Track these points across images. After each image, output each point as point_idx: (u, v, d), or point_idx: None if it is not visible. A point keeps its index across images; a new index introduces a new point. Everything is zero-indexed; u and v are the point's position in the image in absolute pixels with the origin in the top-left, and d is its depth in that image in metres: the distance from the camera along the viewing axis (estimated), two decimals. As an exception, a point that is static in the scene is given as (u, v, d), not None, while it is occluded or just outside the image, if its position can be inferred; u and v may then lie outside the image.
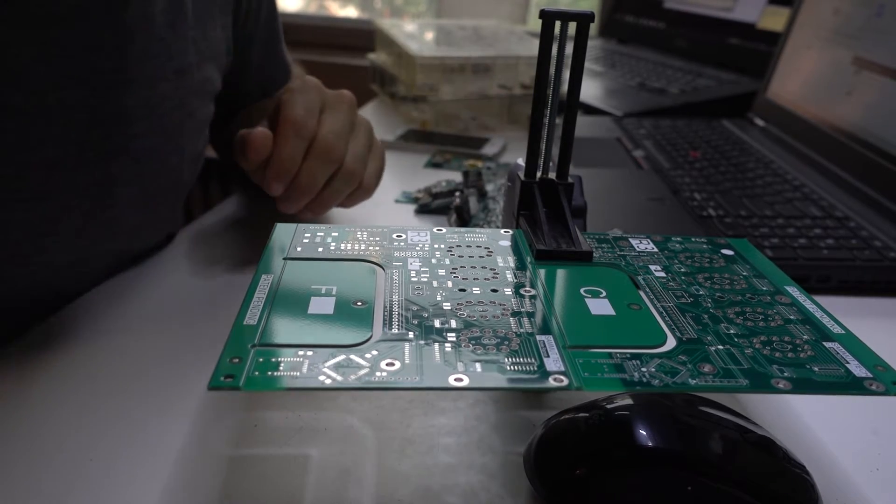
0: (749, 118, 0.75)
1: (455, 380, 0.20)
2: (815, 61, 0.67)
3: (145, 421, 0.28)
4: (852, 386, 0.21)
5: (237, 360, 0.20)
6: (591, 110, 0.77)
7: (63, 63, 0.33)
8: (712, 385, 0.20)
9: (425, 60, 0.71)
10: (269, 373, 0.20)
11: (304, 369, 0.20)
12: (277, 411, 0.29)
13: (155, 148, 0.39)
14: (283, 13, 1.39)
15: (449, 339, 0.22)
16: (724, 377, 0.21)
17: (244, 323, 0.22)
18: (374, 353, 0.21)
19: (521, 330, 0.22)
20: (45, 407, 0.29)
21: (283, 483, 0.25)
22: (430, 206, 0.51)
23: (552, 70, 0.30)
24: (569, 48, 0.30)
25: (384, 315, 0.23)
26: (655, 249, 0.30)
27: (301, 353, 0.21)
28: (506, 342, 0.22)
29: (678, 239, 0.31)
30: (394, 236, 0.29)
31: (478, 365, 0.20)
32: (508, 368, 0.20)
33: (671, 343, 0.22)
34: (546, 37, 0.29)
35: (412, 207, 0.52)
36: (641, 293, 0.26)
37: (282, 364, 0.20)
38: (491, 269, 0.27)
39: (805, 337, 0.23)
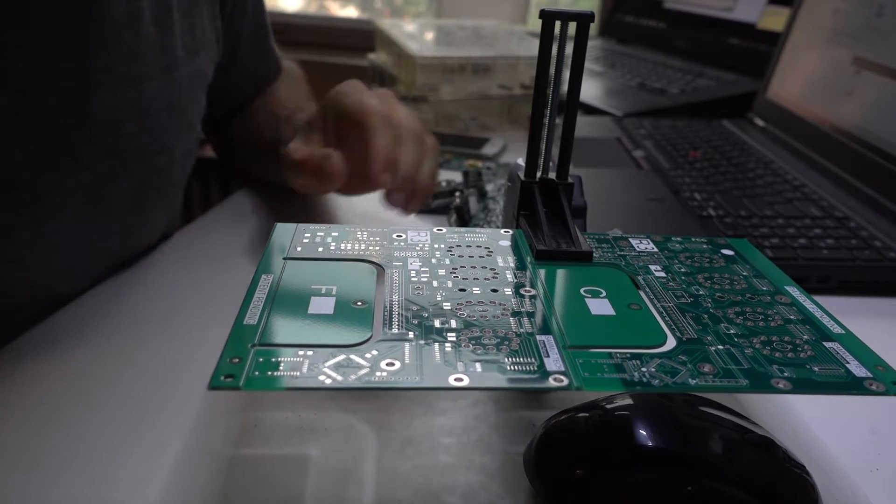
0: (749, 118, 0.75)
1: (455, 380, 0.20)
2: (815, 61, 0.67)
3: (145, 421, 0.28)
4: (852, 386, 0.21)
5: (237, 360, 0.20)
6: (591, 110, 0.77)
7: (48, 62, 0.32)
8: (712, 385, 0.20)
9: (425, 60, 0.71)
10: (270, 373, 0.20)
11: (305, 369, 0.20)
12: (277, 411, 0.29)
13: (144, 148, 0.39)
14: (284, 13, 1.39)
15: (449, 338, 0.22)
16: (724, 377, 0.21)
17: (244, 323, 0.22)
18: (374, 352, 0.21)
19: (521, 330, 0.22)
20: (44, 407, 0.29)
21: (283, 483, 0.25)
22: (430, 206, 0.51)
23: (552, 70, 0.30)
24: (569, 48, 0.30)
25: (384, 315, 0.23)
26: (655, 249, 0.30)
27: (301, 352, 0.21)
28: (506, 342, 0.22)
29: (678, 239, 0.31)
30: (394, 236, 0.29)
31: (478, 365, 0.20)
32: (508, 368, 0.20)
33: (671, 343, 0.22)
34: (546, 37, 0.29)
35: (412, 207, 0.52)
36: (641, 293, 0.26)
37: (282, 364, 0.20)
38: (491, 269, 0.27)
39: (805, 337, 0.23)
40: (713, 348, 0.22)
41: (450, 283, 0.26)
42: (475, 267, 0.27)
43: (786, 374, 0.21)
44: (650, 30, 1.05)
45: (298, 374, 0.20)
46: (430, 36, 0.84)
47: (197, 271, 0.42)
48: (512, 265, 0.27)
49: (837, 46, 0.63)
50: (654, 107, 0.78)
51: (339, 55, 1.22)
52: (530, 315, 0.23)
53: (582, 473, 0.23)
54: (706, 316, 0.24)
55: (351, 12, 1.45)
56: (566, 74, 0.30)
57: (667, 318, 0.24)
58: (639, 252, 0.29)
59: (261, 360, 0.20)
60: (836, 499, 0.26)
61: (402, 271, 0.26)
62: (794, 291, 0.26)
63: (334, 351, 0.21)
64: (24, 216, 0.34)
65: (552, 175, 0.32)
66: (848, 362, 0.22)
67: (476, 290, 0.25)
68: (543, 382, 0.20)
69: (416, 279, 0.26)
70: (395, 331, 0.22)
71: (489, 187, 0.52)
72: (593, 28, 0.30)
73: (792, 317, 0.24)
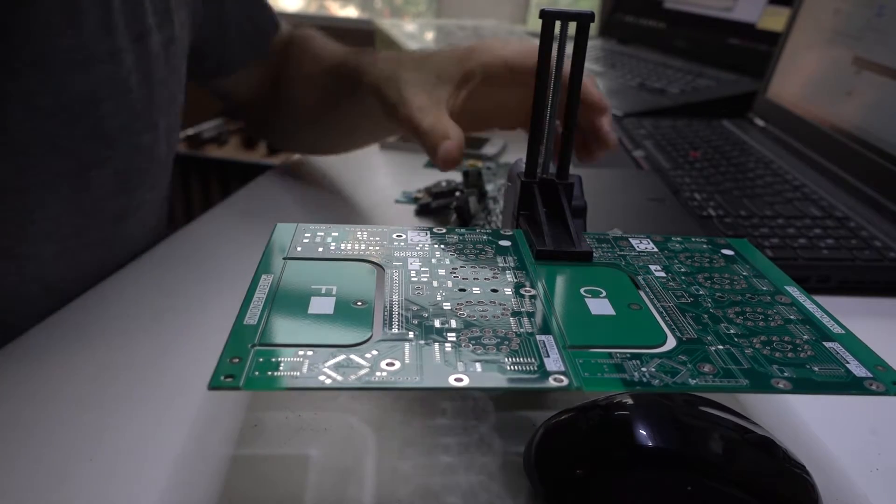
0: (749, 118, 0.75)
1: (455, 380, 0.20)
2: (815, 61, 0.67)
3: (145, 421, 0.28)
4: (852, 386, 0.21)
5: (237, 360, 0.20)
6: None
7: (17, 46, 0.31)
8: (712, 385, 0.20)
9: (425, 60, 0.71)
10: (270, 373, 0.20)
11: (304, 369, 0.20)
12: (277, 411, 0.29)
13: (125, 126, 0.38)
14: (284, 13, 1.39)
15: (449, 338, 0.22)
16: (724, 377, 0.21)
17: (244, 323, 0.22)
18: (374, 352, 0.21)
19: (521, 330, 0.22)
20: (44, 407, 0.29)
21: (283, 483, 0.25)
22: (430, 206, 0.51)
23: (552, 70, 0.30)
24: (569, 48, 0.30)
25: (384, 315, 0.23)
26: (655, 249, 0.30)
27: (301, 352, 0.21)
28: (506, 342, 0.22)
29: (678, 239, 0.31)
30: (394, 236, 0.29)
31: (478, 365, 0.20)
32: (508, 368, 0.20)
33: (671, 343, 0.22)
34: (546, 37, 0.29)
35: (412, 207, 0.52)
36: (641, 293, 0.26)
37: (282, 364, 0.20)
38: (491, 269, 0.27)
39: (805, 337, 0.23)
40: (713, 348, 0.22)
41: (450, 283, 0.26)
42: (475, 267, 0.27)
43: (786, 374, 0.21)
44: (650, 30, 1.05)
45: (298, 374, 0.20)
46: (429, 36, 0.84)
47: (197, 271, 0.42)
48: (512, 265, 0.27)
49: (837, 46, 0.63)
50: (654, 107, 0.78)
51: (339, 55, 1.22)
52: (530, 315, 0.23)
53: (582, 473, 0.23)
54: (706, 316, 0.24)
55: (351, 12, 1.45)
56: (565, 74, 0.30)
57: (667, 318, 0.24)
58: (639, 252, 0.29)
59: (261, 360, 0.20)
60: (836, 499, 0.26)
61: (402, 271, 0.26)
62: (794, 291, 0.26)
63: (334, 351, 0.21)
64: (10, 205, 0.34)
65: (552, 175, 0.32)
66: (848, 362, 0.22)
67: (476, 290, 0.25)
68: (543, 382, 0.20)
69: (416, 279, 0.26)
70: (395, 331, 0.22)
71: (489, 187, 0.52)
72: (593, 28, 0.30)
73: (792, 317, 0.24)
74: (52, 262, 0.37)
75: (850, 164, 0.56)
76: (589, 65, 0.93)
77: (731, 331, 0.23)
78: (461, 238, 0.29)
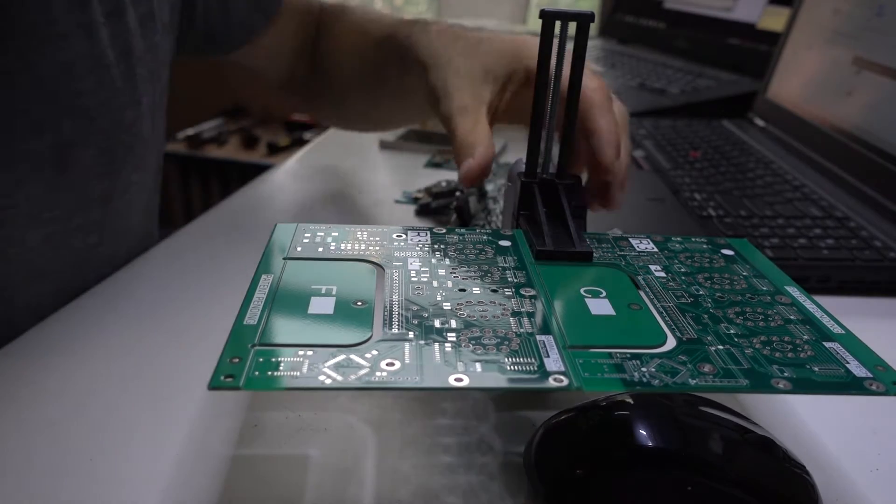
0: (749, 118, 0.75)
1: (455, 380, 0.20)
2: (815, 61, 0.67)
3: (145, 421, 0.28)
4: (852, 386, 0.21)
5: (237, 360, 0.20)
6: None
7: None
8: (712, 385, 0.20)
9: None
10: (270, 373, 0.20)
11: (305, 369, 0.20)
12: (277, 411, 0.29)
13: (106, 103, 0.37)
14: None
15: (449, 339, 0.22)
16: (725, 377, 0.21)
17: (244, 323, 0.22)
18: (374, 352, 0.21)
19: (521, 330, 0.22)
20: (44, 407, 0.29)
21: (283, 483, 0.25)
22: (430, 206, 0.51)
23: (552, 70, 0.30)
24: (568, 48, 0.30)
25: (384, 315, 0.23)
26: (655, 249, 0.30)
27: (301, 352, 0.20)
28: (506, 342, 0.22)
29: (678, 239, 0.31)
30: (394, 236, 0.29)
31: (478, 365, 0.20)
32: (508, 368, 0.20)
33: (671, 343, 0.22)
34: (546, 37, 0.29)
35: (412, 207, 0.52)
36: (641, 293, 0.26)
37: (282, 364, 0.20)
38: (491, 269, 0.27)
39: (805, 337, 0.23)
40: (713, 348, 0.22)
41: (450, 283, 0.26)
42: (475, 267, 0.27)
43: (786, 374, 0.21)
44: (650, 30, 1.05)
45: (298, 374, 0.20)
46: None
47: (197, 271, 0.42)
48: (512, 265, 0.27)
49: (837, 46, 0.63)
50: (654, 107, 0.78)
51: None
52: (530, 315, 0.23)
53: (582, 473, 0.23)
54: (706, 316, 0.24)
55: (351, 12, 1.45)
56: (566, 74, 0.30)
57: (667, 318, 0.24)
58: (639, 252, 0.29)
59: (261, 360, 0.20)
60: (836, 499, 0.26)
61: (402, 271, 0.26)
62: (794, 291, 0.26)
63: (334, 351, 0.21)
64: None
65: (552, 175, 0.32)
66: (848, 362, 0.22)
67: (476, 290, 0.25)
68: (543, 382, 0.20)
69: (416, 279, 0.26)
70: (395, 331, 0.22)
71: (489, 187, 0.52)
72: (593, 28, 0.30)
73: (792, 317, 0.24)
74: (38, 248, 0.36)
75: (850, 164, 0.56)
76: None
77: (731, 331, 0.23)
78: (461, 238, 0.29)
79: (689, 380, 0.20)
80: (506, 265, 0.27)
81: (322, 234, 0.29)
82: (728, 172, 0.58)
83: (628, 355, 0.21)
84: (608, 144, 0.31)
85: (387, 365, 0.20)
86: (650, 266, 0.28)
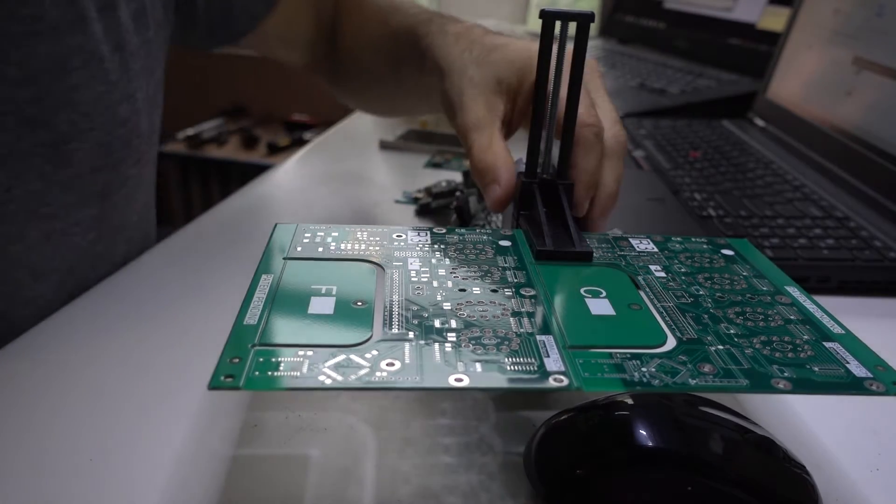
0: (749, 118, 0.75)
1: (455, 380, 0.20)
2: (815, 61, 0.67)
3: (145, 421, 0.28)
4: (852, 386, 0.21)
5: (237, 360, 0.20)
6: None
7: None
8: (712, 385, 0.20)
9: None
10: (270, 373, 0.20)
11: (304, 369, 0.20)
12: (277, 411, 0.29)
13: (100, 97, 0.37)
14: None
15: (449, 339, 0.22)
16: (725, 377, 0.21)
17: (244, 323, 0.22)
18: (375, 352, 0.21)
19: (522, 330, 0.22)
20: (44, 407, 0.29)
21: (283, 483, 0.25)
22: (431, 206, 0.51)
23: (552, 70, 0.30)
24: (568, 47, 0.30)
25: (384, 315, 0.23)
26: (655, 249, 0.30)
27: (301, 352, 0.20)
28: (506, 342, 0.22)
29: (678, 239, 0.31)
30: (394, 236, 0.29)
31: (478, 365, 0.20)
32: (509, 368, 0.20)
33: (671, 343, 0.22)
34: (546, 37, 0.29)
35: (412, 207, 0.52)
36: (642, 293, 0.26)
37: (282, 364, 0.20)
38: (491, 269, 0.27)
39: (805, 337, 0.23)
40: (713, 348, 0.22)
41: (450, 284, 0.25)
42: (475, 267, 0.27)
43: (786, 374, 0.21)
44: (650, 30, 1.05)
45: (298, 374, 0.20)
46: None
47: (197, 271, 0.42)
48: (512, 265, 0.27)
49: (837, 46, 0.63)
50: (654, 107, 0.78)
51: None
52: (530, 315, 0.23)
53: (582, 473, 0.23)
54: (706, 316, 0.24)
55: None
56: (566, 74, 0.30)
57: (667, 318, 0.24)
58: (639, 252, 0.29)
59: (261, 360, 0.20)
60: (836, 499, 0.26)
61: (402, 271, 0.26)
62: (795, 291, 0.26)
63: (334, 351, 0.21)
64: None
65: (552, 175, 0.32)
66: (848, 362, 0.22)
67: (476, 290, 0.25)
68: (543, 383, 0.20)
69: (416, 279, 0.26)
70: (395, 331, 0.22)
71: (488, 188, 0.52)
72: (593, 28, 0.30)
73: (792, 317, 0.24)
74: (38, 245, 0.36)
75: (850, 164, 0.56)
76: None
77: (732, 331, 0.23)
78: (461, 238, 0.29)
79: (690, 380, 0.20)
80: (506, 265, 0.27)
81: (322, 234, 0.29)
82: (728, 172, 0.58)
83: (628, 355, 0.21)
84: (582, 186, 0.32)
85: (387, 365, 0.20)
86: (650, 266, 0.28)
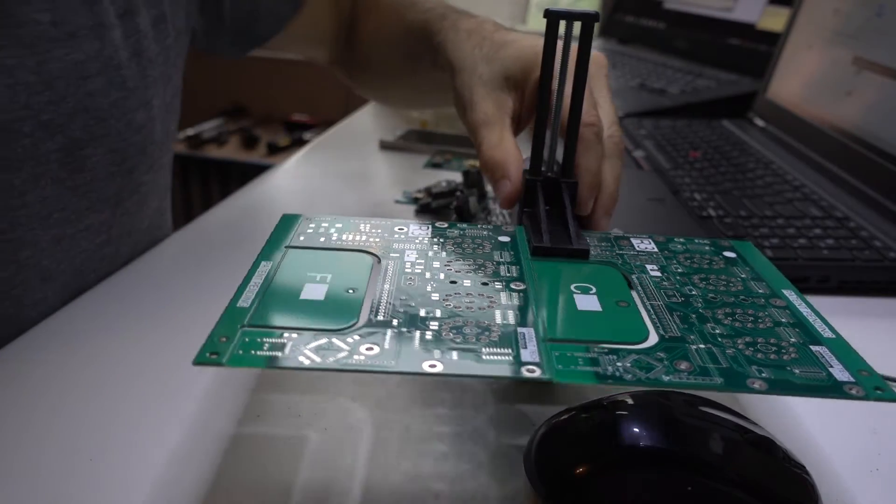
0: (749, 118, 0.75)
1: (429, 366, 0.20)
2: (815, 61, 0.67)
3: (145, 421, 0.28)
4: (832, 389, 0.20)
5: (224, 339, 0.20)
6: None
7: None
8: (685, 382, 0.20)
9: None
10: (253, 351, 0.20)
11: (287, 350, 0.20)
12: (277, 400, 0.29)
13: (116, 103, 0.37)
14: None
15: (431, 327, 0.22)
16: (700, 375, 0.20)
17: (237, 305, 0.22)
18: (357, 337, 0.21)
19: (504, 322, 0.22)
20: (44, 407, 0.29)
21: (281, 473, 0.25)
22: (431, 205, 0.51)
23: (556, 70, 0.30)
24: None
25: (373, 303, 0.23)
26: (655, 249, 0.30)
27: (287, 335, 0.21)
28: (486, 333, 0.22)
29: (681, 240, 0.31)
30: (396, 229, 0.29)
31: (454, 353, 0.21)
32: (484, 357, 0.20)
33: (653, 340, 0.22)
34: (550, 37, 0.29)
35: (412, 207, 0.52)
36: (633, 291, 0.26)
37: (266, 344, 0.20)
38: (486, 263, 0.27)
39: (792, 340, 0.23)
40: (694, 347, 0.22)
41: (442, 276, 0.26)
42: (471, 261, 0.27)
43: (763, 375, 0.20)
44: (650, 30, 1.05)
45: (280, 354, 0.20)
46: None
47: (197, 270, 0.42)
48: (508, 260, 0.27)
49: (837, 46, 0.63)
50: (654, 107, 0.78)
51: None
52: (516, 308, 0.24)
53: (582, 473, 0.23)
54: (694, 316, 0.24)
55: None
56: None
57: (653, 316, 0.24)
58: (638, 252, 0.29)
59: (247, 339, 0.20)
60: (836, 499, 0.26)
61: (398, 262, 0.26)
62: (791, 295, 0.26)
63: (318, 334, 0.21)
64: (2, 185, 0.33)
65: (556, 174, 0.32)
66: (832, 366, 0.21)
67: (467, 283, 0.25)
68: (516, 372, 0.20)
69: (409, 270, 0.26)
70: (380, 318, 0.22)
71: (489, 187, 0.52)
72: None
73: (783, 320, 0.24)
74: (49, 249, 0.36)
75: (850, 164, 0.56)
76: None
77: (717, 331, 0.23)
78: (462, 233, 0.30)
79: (663, 376, 0.20)
80: (501, 260, 0.27)
81: (326, 224, 0.30)
82: (728, 172, 0.58)
83: (606, 350, 0.21)
84: (585, 186, 0.32)
85: (366, 349, 0.20)
86: (647, 265, 0.28)
